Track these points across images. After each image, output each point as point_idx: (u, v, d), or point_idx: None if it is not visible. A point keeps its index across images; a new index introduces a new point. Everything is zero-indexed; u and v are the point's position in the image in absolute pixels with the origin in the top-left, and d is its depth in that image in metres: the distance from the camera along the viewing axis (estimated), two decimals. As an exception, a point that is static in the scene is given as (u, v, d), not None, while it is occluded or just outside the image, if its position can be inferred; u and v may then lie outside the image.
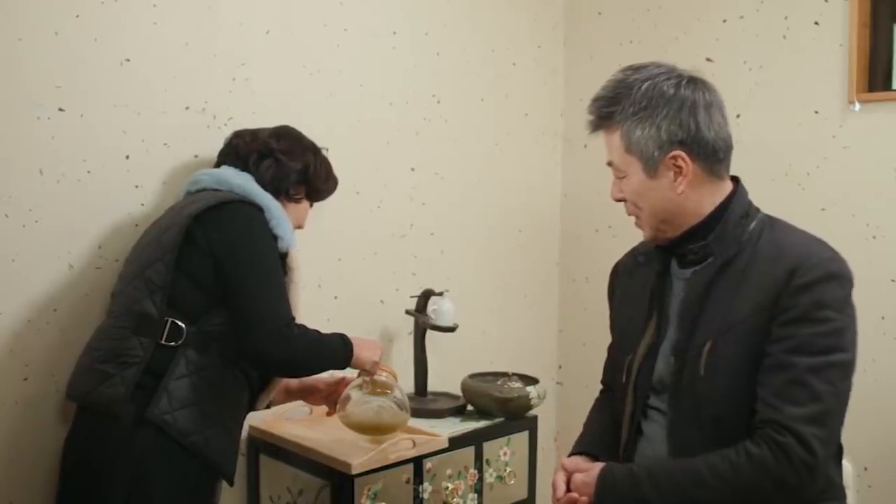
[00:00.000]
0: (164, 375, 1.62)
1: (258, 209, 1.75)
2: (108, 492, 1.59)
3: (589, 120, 1.50)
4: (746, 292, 1.39)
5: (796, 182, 2.38)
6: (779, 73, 2.42)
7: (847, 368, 1.36)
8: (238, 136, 1.89)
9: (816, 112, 2.35)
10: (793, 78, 2.39)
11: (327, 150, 1.97)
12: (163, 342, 1.63)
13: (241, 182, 1.78)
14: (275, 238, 1.75)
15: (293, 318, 1.70)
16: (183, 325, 1.64)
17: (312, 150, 1.91)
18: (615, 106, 1.44)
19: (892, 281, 2.23)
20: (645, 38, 2.71)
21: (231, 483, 1.74)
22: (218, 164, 1.89)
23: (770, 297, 1.36)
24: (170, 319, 1.64)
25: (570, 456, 1.59)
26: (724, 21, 2.52)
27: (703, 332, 1.41)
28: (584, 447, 1.59)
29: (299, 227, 1.93)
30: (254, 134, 1.88)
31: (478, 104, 2.67)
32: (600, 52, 2.83)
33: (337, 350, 1.79)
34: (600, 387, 1.77)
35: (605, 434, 1.60)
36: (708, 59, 2.45)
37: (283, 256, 1.79)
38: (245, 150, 1.85)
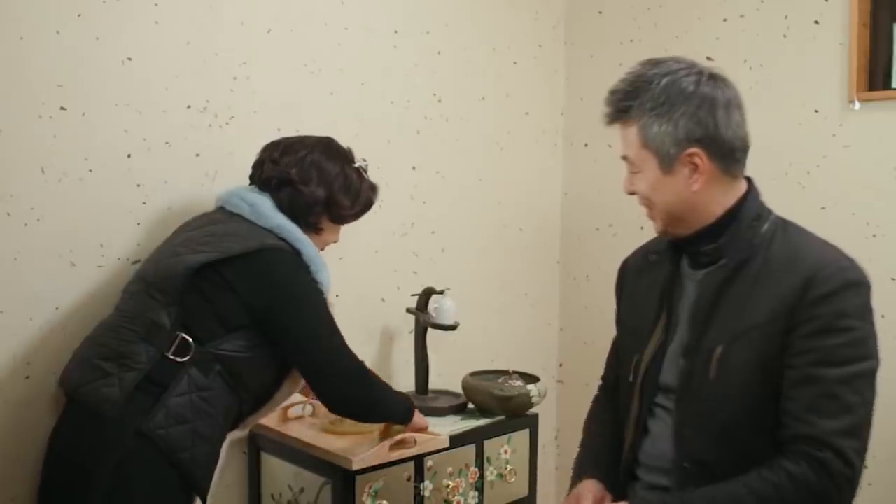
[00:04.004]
0: (166, 390, 1.62)
1: (295, 253, 1.74)
2: (88, 488, 1.58)
3: (605, 112, 1.47)
4: (760, 298, 1.38)
5: (796, 181, 2.38)
6: (779, 72, 2.42)
7: (872, 377, 1.35)
8: (267, 149, 1.86)
9: (816, 111, 2.35)
10: (793, 77, 2.39)
11: (365, 162, 1.92)
12: (169, 355, 1.63)
13: (281, 222, 1.76)
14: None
15: (359, 361, 1.77)
16: (192, 343, 1.65)
17: (342, 173, 1.84)
18: (633, 100, 1.42)
19: (893, 280, 2.23)
20: (645, 37, 2.71)
21: (204, 500, 1.73)
22: (251, 177, 1.87)
23: (786, 305, 1.35)
24: (181, 335, 1.64)
25: (580, 471, 1.57)
26: (725, 20, 2.52)
27: (714, 336, 1.41)
28: (595, 469, 1.55)
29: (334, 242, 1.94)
30: (286, 150, 1.83)
31: (478, 103, 2.67)
32: (601, 51, 2.83)
33: (403, 404, 1.89)
34: (600, 383, 1.76)
35: (612, 451, 1.57)
36: (708, 59, 2.44)
37: None
38: (267, 173, 1.82)
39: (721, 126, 1.40)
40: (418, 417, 1.91)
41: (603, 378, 1.75)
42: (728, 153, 1.41)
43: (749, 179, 1.49)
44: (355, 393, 1.76)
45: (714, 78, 1.42)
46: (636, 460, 1.52)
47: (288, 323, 1.70)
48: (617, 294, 1.70)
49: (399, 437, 1.95)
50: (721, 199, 1.44)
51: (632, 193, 1.50)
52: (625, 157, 1.48)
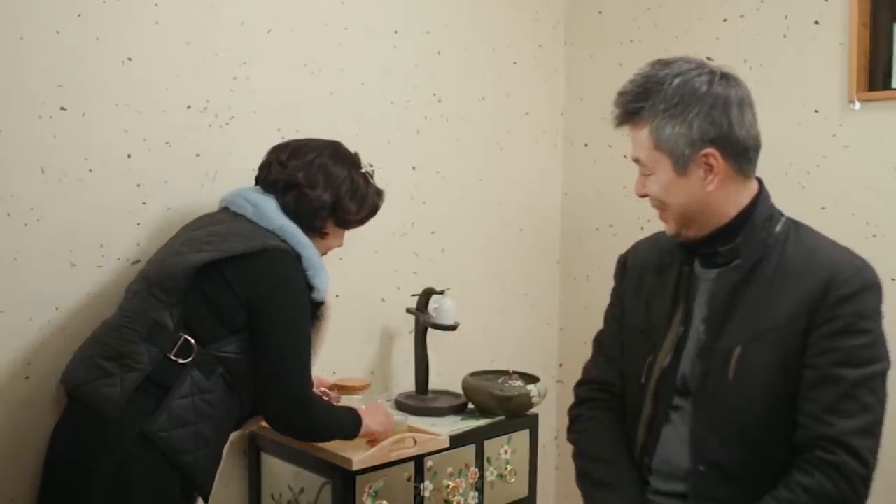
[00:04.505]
0: (168, 392, 1.61)
1: (296, 256, 1.74)
2: (88, 488, 1.58)
3: (615, 114, 1.45)
4: (778, 300, 1.37)
5: (796, 181, 2.38)
6: (779, 72, 2.42)
7: (885, 377, 1.36)
8: (275, 151, 1.86)
9: (816, 111, 2.36)
10: (793, 77, 2.39)
11: (372, 167, 1.93)
12: (171, 356, 1.63)
13: (283, 224, 1.76)
14: (311, 287, 1.76)
15: (311, 388, 1.74)
16: (194, 344, 1.65)
17: (348, 177, 1.85)
18: (644, 101, 1.41)
19: (893, 280, 2.23)
20: (646, 37, 2.71)
21: (206, 500, 1.74)
22: (257, 178, 1.88)
23: (805, 306, 1.35)
24: (183, 336, 1.64)
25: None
26: (725, 20, 2.52)
27: (732, 336, 1.40)
28: None
29: (338, 246, 1.94)
30: (294, 153, 1.83)
31: (478, 103, 2.67)
32: (601, 51, 2.83)
33: (348, 423, 1.83)
34: (583, 383, 1.68)
35: (633, 478, 1.51)
36: (708, 59, 2.44)
37: (318, 305, 1.80)
38: (274, 176, 1.82)
39: (735, 125, 1.39)
40: (370, 421, 1.86)
41: (589, 380, 1.67)
42: (742, 152, 1.41)
43: (759, 180, 1.48)
44: (294, 421, 1.73)
45: (726, 77, 1.42)
46: (649, 469, 1.49)
47: (269, 326, 1.69)
48: (616, 290, 1.67)
49: (398, 436, 1.95)
50: (735, 199, 1.43)
51: (643, 196, 1.48)
52: (636, 160, 1.46)
